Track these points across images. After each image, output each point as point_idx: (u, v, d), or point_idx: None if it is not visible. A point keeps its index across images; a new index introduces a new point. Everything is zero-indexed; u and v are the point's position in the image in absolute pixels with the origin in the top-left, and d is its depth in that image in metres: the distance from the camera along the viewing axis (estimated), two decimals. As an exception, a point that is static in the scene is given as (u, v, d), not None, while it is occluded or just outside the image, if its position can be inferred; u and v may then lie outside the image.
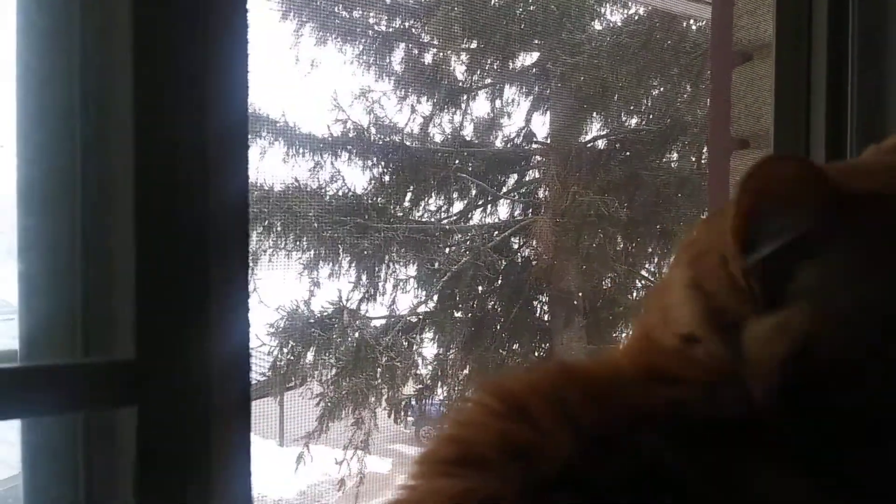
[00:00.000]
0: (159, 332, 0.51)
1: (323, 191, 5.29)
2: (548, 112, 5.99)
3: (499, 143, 5.95)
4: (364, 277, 5.48)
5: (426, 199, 5.73)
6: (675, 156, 5.95)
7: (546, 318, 6.08)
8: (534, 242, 5.90)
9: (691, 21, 5.67)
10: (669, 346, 0.48)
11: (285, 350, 5.21)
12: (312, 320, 5.28)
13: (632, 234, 5.92)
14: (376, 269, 5.48)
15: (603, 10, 5.88)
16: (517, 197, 6.04)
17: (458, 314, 5.75)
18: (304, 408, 5.27)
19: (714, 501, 0.39)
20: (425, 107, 5.65)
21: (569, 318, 5.85)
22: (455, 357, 5.70)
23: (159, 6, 0.55)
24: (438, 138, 5.71)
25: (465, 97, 5.76)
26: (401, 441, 6.06)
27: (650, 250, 6.10)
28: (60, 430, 0.51)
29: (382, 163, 5.50)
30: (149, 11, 0.55)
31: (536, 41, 5.80)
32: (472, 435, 0.45)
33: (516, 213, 6.03)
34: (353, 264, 5.42)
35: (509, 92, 5.91)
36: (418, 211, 5.70)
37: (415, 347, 5.59)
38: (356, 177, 5.40)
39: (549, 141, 5.96)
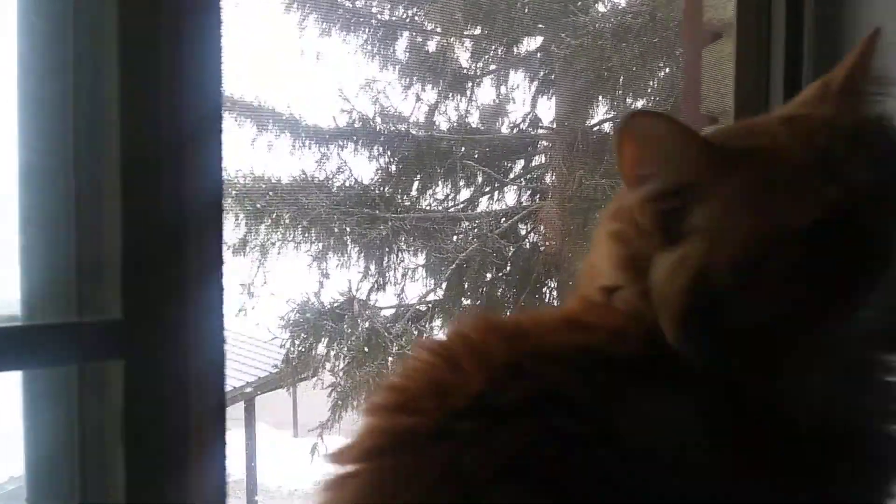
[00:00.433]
0: (143, 295, 0.58)
1: (330, 182, 5.35)
2: (553, 96, 5.98)
3: (505, 130, 5.94)
4: (373, 267, 5.53)
5: (433, 188, 5.75)
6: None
7: (555, 303, 6.11)
8: (541, 228, 5.92)
9: None
10: (594, 299, 0.55)
11: (297, 342, 5.28)
12: (323, 311, 5.35)
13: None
14: (385, 258, 5.53)
15: (605, -8, 5.85)
16: (524, 183, 6.05)
17: (466, 301, 5.79)
18: (318, 398, 5.35)
19: (604, 418, 0.45)
20: (430, 95, 5.66)
21: (577, 302, 5.86)
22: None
23: (142, 10, 0.62)
24: (444, 126, 5.72)
25: (469, 84, 5.76)
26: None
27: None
28: (57, 382, 0.58)
29: (389, 152, 5.54)
30: (133, 14, 0.62)
31: (540, 25, 5.79)
32: (408, 384, 0.52)
33: (523, 199, 6.05)
34: (362, 254, 5.48)
35: (514, 77, 5.90)
36: (425, 200, 5.74)
37: (424, 335, 5.63)
38: (363, 167, 5.45)
39: (554, 126, 5.96)
